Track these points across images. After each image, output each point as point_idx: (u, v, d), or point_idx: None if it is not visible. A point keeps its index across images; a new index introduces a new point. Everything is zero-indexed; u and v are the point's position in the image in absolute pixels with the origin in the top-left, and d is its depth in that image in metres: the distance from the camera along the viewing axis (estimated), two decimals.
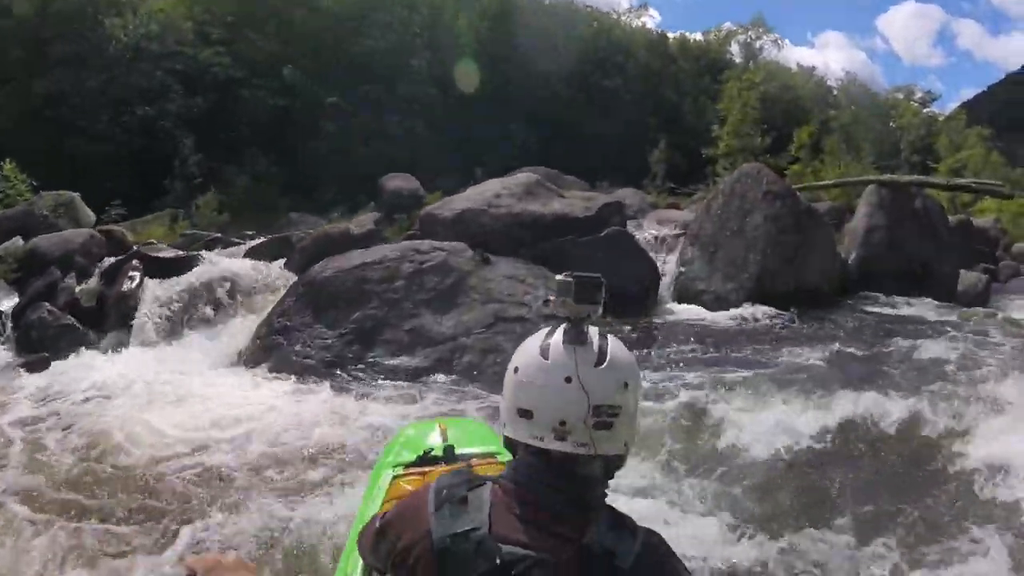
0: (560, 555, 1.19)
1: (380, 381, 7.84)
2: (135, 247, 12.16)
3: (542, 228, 10.74)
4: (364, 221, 13.79)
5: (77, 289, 10.71)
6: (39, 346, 9.39)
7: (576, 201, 11.55)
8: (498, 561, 1.17)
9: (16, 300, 10.83)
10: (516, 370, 1.35)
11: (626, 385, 1.30)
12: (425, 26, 33.58)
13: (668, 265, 12.35)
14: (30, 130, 27.51)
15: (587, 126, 33.24)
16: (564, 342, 1.31)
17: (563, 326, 1.35)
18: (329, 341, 8.35)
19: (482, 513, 1.25)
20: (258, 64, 31.37)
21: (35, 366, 8.82)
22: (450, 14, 34.46)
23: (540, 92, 33.51)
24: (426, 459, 2.48)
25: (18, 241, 12.83)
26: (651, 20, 48.96)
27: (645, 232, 13.14)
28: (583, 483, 1.29)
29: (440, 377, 7.91)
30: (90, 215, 16.09)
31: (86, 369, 8.52)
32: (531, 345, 1.36)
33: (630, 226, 12.60)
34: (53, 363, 8.87)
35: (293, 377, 7.95)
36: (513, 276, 9.42)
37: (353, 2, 33.23)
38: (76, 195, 16.21)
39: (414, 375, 7.93)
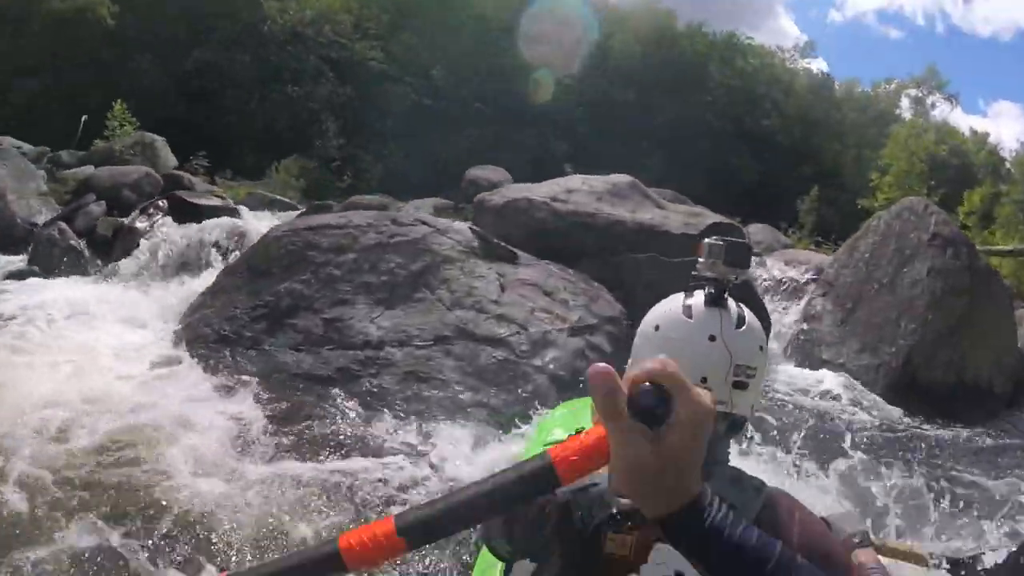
0: None
1: (254, 380, 5.75)
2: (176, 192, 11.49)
3: (616, 237, 8.00)
4: (421, 205, 11.89)
5: (100, 218, 10.74)
6: (44, 261, 9.46)
7: (675, 215, 8.77)
8: (615, 511, 1.22)
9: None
10: (657, 328, 1.35)
11: (761, 348, 1.33)
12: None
13: (787, 316, 9.18)
14: (177, 99, 28.32)
15: (733, 163, 30.32)
16: (706, 303, 1.31)
17: (703, 289, 1.34)
18: (237, 312, 6.36)
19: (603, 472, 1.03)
20: (409, 62, 31.11)
21: (15, 275, 8.98)
22: (605, 35, 32.73)
23: (688, 122, 30.89)
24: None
25: (87, 169, 13.39)
26: (816, 65, 44.18)
27: (764, 270, 10.01)
28: (714, 439, 1.24)
29: (332, 393, 5.57)
30: (171, 160, 15.67)
31: (49, 290, 8.18)
32: (671, 306, 1.36)
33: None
34: (34, 279, 8.86)
35: (184, 345, 6.36)
36: (535, 285, 6.60)
37: (510, 15, 32.41)
38: (159, 138, 15.96)
39: (299, 382, 5.75)
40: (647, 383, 0.68)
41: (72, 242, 9.85)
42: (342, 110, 29.77)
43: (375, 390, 5.37)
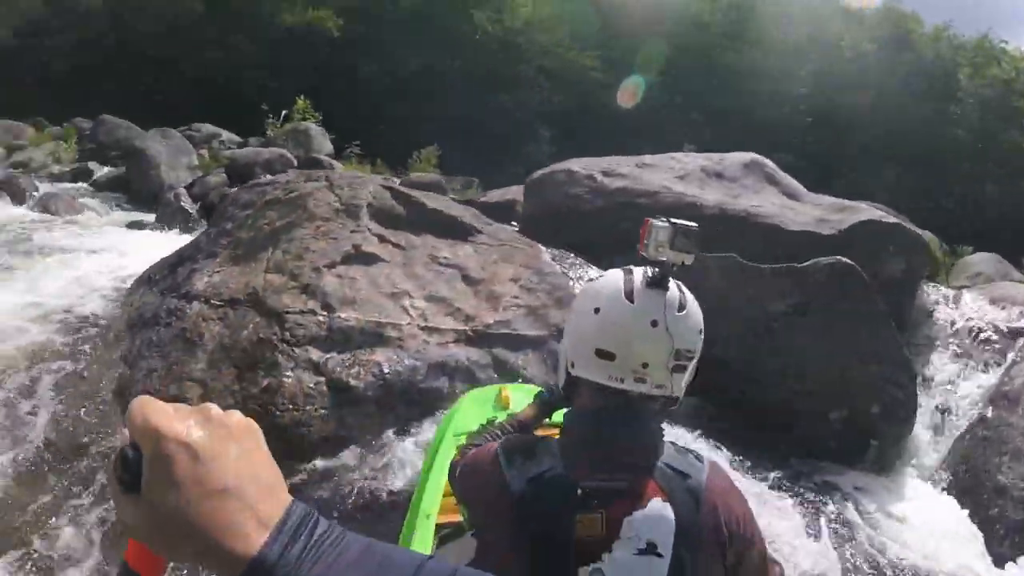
0: (636, 482, 1.22)
1: None
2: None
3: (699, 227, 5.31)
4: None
5: (216, 188, 11.49)
6: (165, 219, 10.10)
7: (806, 207, 5.91)
8: (579, 492, 1.19)
9: None
10: (597, 311, 1.30)
11: (700, 332, 1.32)
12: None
13: (963, 384, 5.49)
14: (397, 99, 29.24)
15: (981, 185, 24.48)
16: (648, 286, 1.28)
17: (643, 270, 1.31)
18: None
19: (553, 457, 1.25)
20: (624, 69, 29.42)
21: (135, 225, 9.68)
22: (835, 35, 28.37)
23: (929, 136, 25.51)
24: (487, 429, 1.84)
25: (241, 151, 14.58)
26: None
27: (944, 306, 6.32)
28: (646, 419, 1.30)
29: None
30: (325, 147, 15.90)
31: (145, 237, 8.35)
32: (610, 287, 1.31)
33: (926, 290, 6.39)
34: (147, 231, 9.26)
35: None
36: (455, 267, 4.25)
37: (736, 17, 29.80)
38: (313, 126, 16.40)
39: None
40: (128, 443, 0.55)
41: (184, 204, 10.63)
42: (554, 118, 28.77)
43: None
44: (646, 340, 1.25)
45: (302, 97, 18.48)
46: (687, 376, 1.32)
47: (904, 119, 25.86)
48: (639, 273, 1.32)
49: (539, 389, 1.83)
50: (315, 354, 3.24)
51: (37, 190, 10.42)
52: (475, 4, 31.16)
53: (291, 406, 3.08)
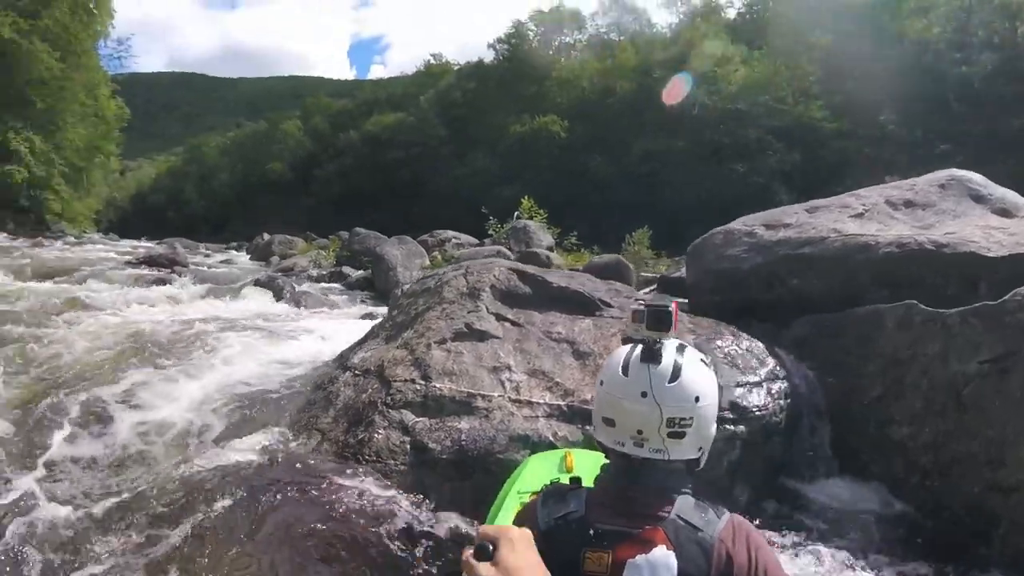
0: (647, 531, 1.31)
1: None
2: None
3: (858, 273, 4.32)
4: None
5: None
6: None
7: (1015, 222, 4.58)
8: (591, 532, 1.33)
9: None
10: (602, 383, 1.44)
11: (697, 399, 1.37)
12: None
13: None
14: (622, 186, 29.89)
15: None
16: (640, 360, 1.39)
17: (641, 345, 1.42)
18: None
19: (580, 503, 1.40)
20: (855, 113, 27.08)
21: (366, 316, 9.48)
22: None
23: None
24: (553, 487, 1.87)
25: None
26: None
27: None
28: (664, 477, 1.39)
29: None
30: (545, 240, 16.02)
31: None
32: (616, 360, 1.44)
33: None
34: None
35: None
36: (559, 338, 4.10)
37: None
38: (531, 223, 16.55)
39: None
40: (482, 539, 1.10)
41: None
42: (789, 177, 27.34)
43: None
44: (634, 410, 1.37)
45: (526, 198, 19.26)
46: (690, 440, 1.39)
47: None
48: (640, 347, 1.42)
49: (602, 455, 1.79)
50: (408, 417, 3.57)
51: (294, 289, 11.47)
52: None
53: (375, 458, 3.46)
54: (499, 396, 3.60)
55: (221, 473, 3.39)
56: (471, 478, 3.31)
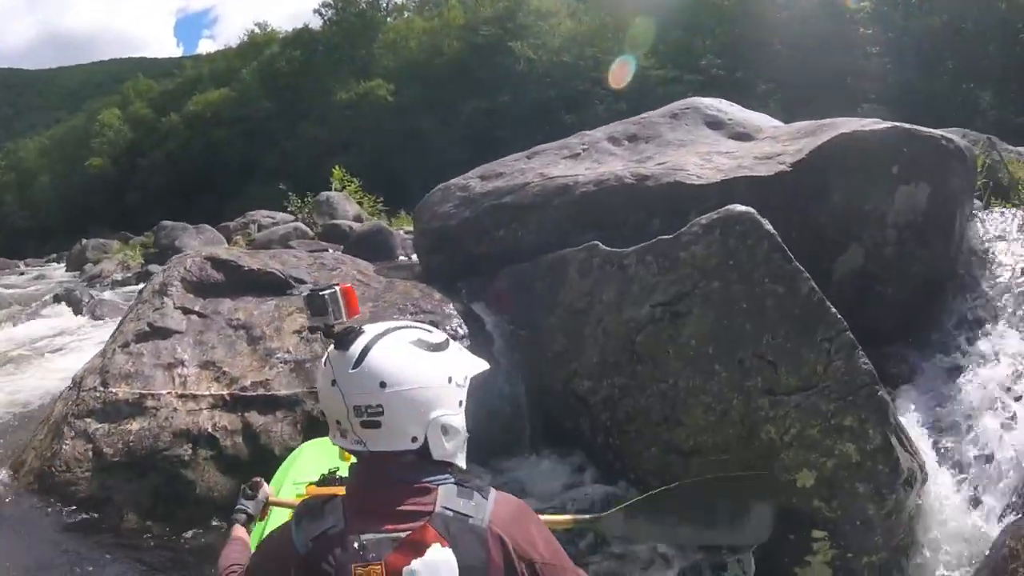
0: (415, 531, 1.22)
1: None
2: None
3: (557, 215, 4.09)
4: None
5: None
6: None
7: (758, 144, 4.31)
8: (356, 545, 1.21)
9: None
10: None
11: (383, 384, 1.25)
12: None
13: None
14: (454, 147, 29.29)
15: None
16: (335, 347, 1.32)
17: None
18: None
19: (337, 514, 1.27)
20: (679, 60, 27.82)
21: None
22: None
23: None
24: (331, 479, 1.90)
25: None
26: None
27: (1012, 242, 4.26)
28: (398, 469, 1.28)
29: None
30: (350, 210, 14.97)
31: None
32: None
33: (985, 222, 4.50)
34: None
35: None
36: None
37: None
38: (336, 195, 15.56)
39: None
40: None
41: None
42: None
43: None
44: (328, 399, 1.31)
45: (336, 167, 18.46)
46: (391, 429, 1.27)
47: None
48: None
49: None
50: (91, 425, 3.57)
51: (92, 298, 10.42)
52: (512, 36, 30.80)
53: (64, 468, 3.52)
54: (167, 393, 3.59)
55: None
56: (146, 477, 3.39)
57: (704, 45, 27.11)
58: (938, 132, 4.05)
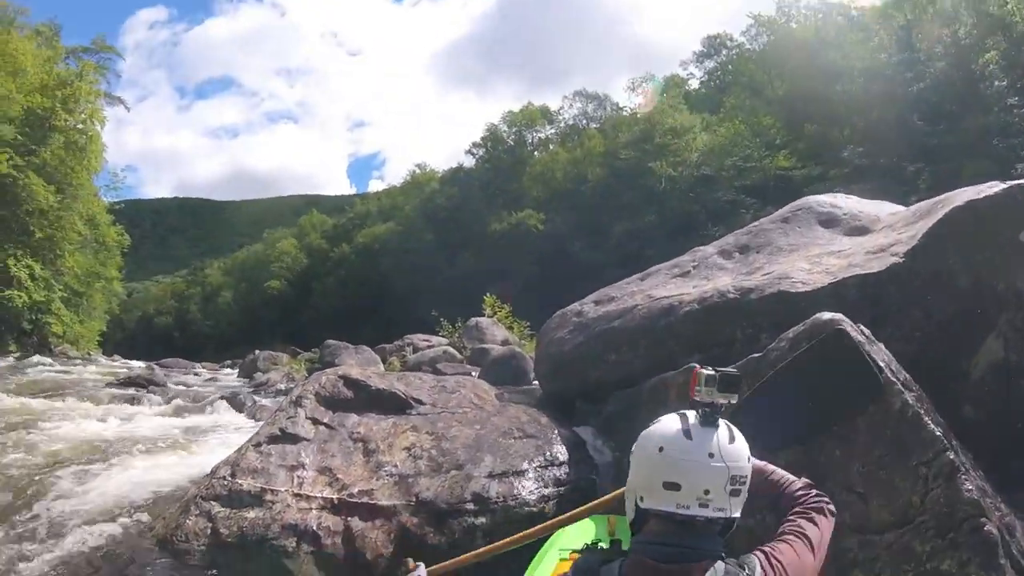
0: None
1: None
2: None
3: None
4: None
5: None
6: None
7: (872, 238, 4.07)
8: None
9: None
10: (661, 449, 1.45)
11: (748, 459, 1.48)
12: None
13: None
14: (610, 265, 29.90)
15: None
16: (703, 424, 1.46)
17: (695, 412, 1.48)
18: None
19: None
20: (820, 155, 27.16)
21: None
22: None
23: None
24: (593, 550, 1.84)
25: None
26: None
27: None
28: (707, 540, 1.44)
29: None
30: (499, 335, 15.85)
31: None
32: (671, 428, 1.47)
33: None
34: None
35: None
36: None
37: None
38: (484, 320, 16.54)
39: None
40: None
41: None
42: None
43: None
44: (706, 470, 1.40)
45: (488, 295, 19.19)
46: (744, 496, 1.46)
47: None
48: (692, 415, 1.48)
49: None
50: (215, 507, 3.93)
51: (254, 403, 11.12)
52: (651, 157, 31.60)
53: (184, 539, 3.87)
54: (284, 490, 3.91)
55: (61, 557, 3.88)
56: (252, 561, 3.67)
57: (842, 135, 26.10)
58: None
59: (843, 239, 4.40)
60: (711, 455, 1.41)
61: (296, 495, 3.86)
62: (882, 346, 2.96)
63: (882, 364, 2.70)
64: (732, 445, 1.45)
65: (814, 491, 1.68)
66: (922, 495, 2.43)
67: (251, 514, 3.81)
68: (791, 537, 1.53)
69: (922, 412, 2.58)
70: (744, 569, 1.40)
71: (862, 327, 2.97)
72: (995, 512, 2.48)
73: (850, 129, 26.11)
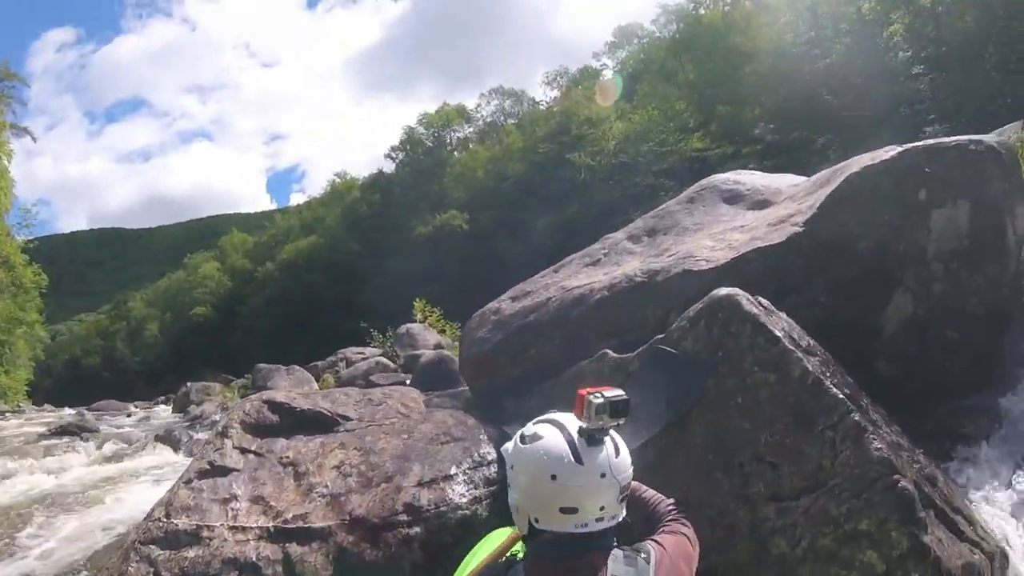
0: None
1: None
2: None
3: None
4: None
5: None
6: None
7: (774, 210, 4.23)
8: None
9: None
10: (554, 477, 1.45)
11: (631, 463, 1.55)
12: None
13: None
14: (536, 259, 30.26)
15: None
16: (590, 445, 1.48)
17: (576, 428, 1.50)
18: None
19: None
20: (733, 134, 28.12)
21: None
22: None
23: None
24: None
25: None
26: None
27: None
28: (600, 538, 1.49)
29: None
30: (431, 340, 15.68)
31: None
32: (556, 453, 1.47)
33: None
34: None
35: None
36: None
37: None
38: (414, 326, 16.57)
39: None
40: None
41: None
42: None
43: None
44: (600, 489, 1.46)
45: (418, 300, 19.08)
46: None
47: None
48: (574, 433, 1.49)
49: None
50: (154, 551, 3.83)
51: (191, 438, 10.96)
52: (569, 149, 32.07)
53: None
54: (220, 525, 3.83)
55: None
56: None
57: (753, 114, 27.19)
58: (962, 138, 3.63)
59: (746, 214, 4.50)
60: (603, 475, 1.45)
61: (232, 528, 3.82)
62: (783, 315, 3.05)
63: (780, 334, 2.80)
64: (619, 458, 1.49)
65: (680, 512, 1.76)
66: (831, 458, 2.45)
67: (190, 553, 3.76)
68: (672, 531, 1.64)
69: (824, 377, 2.62)
70: (640, 552, 1.49)
71: (760, 299, 3.08)
72: (912, 466, 2.53)
73: (760, 108, 27.13)
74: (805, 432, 2.53)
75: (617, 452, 1.50)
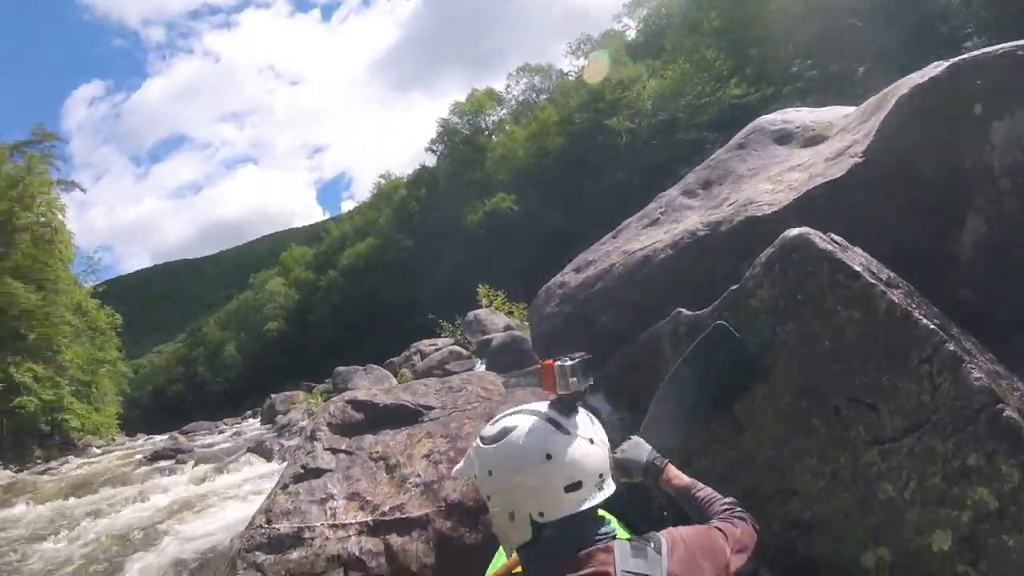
0: None
1: None
2: None
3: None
4: None
5: None
6: None
7: (829, 144, 3.88)
8: None
9: None
10: (549, 457, 1.37)
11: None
12: None
13: None
14: (591, 230, 30.08)
15: None
16: (567, 415, 1.44)
17: (549, 408, 1.45)
18: None
19: None
20: (770, 75, 27.22)
21: None
22: None
23: None
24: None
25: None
26: None
27: None
28: (591, 523, 1.42)
29: None
30: (501, 323, 15.80)
31: None
32: (540, 433, 1.41)
33: None
34: None
35: None
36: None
37: None
38: (482, 311, 16.47)
39: None
40: None
41: None
42: None
43: None
44: (594, 456, 1.41)
45: (482, 286, 19.12)
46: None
47: None
48: (547, 410, 1.45)
49: None
50: (259, 556, 3.97)
51: (282, 447, 11.31)
52: (606, 115, 31.56)
53: None
54: (320, 524, 3.98)
55: None
56: None
57: (787, 51, 26.19)
58: (1008, 45, 3.29)
59: (801, 152, 4.30)
60: (591, 440, 1.42)
61: (332, 526, 3.94)
62: (859, 250, 2.90)
63: (859, 268, 2.65)
64: (596, 424, 1.48)
65: (739, 507, 1.71)
66: (931, 393, 2.30)
67: (295, 555, 3.89)
68: (702, 527, 1.56)
69: (912, 308, 2.47)
70: (650, 543, 1.39)
71: (832, 235, 2.94)
72: (1013, 393, 2.38)
73: (793, 45, 26.09)
74: (900, 368, 2.38)
75: (592, 419, 1.48)
